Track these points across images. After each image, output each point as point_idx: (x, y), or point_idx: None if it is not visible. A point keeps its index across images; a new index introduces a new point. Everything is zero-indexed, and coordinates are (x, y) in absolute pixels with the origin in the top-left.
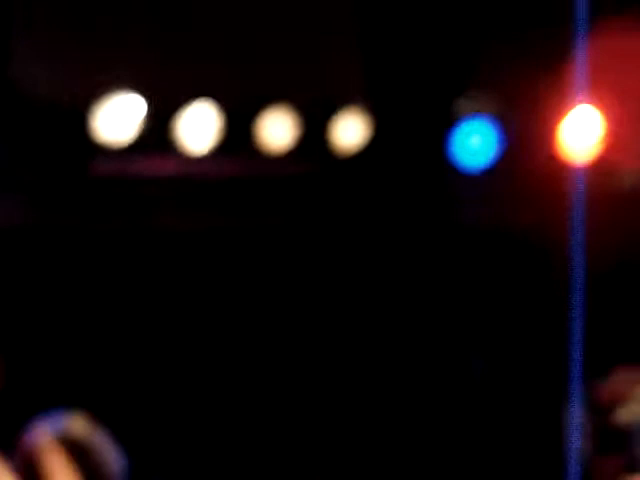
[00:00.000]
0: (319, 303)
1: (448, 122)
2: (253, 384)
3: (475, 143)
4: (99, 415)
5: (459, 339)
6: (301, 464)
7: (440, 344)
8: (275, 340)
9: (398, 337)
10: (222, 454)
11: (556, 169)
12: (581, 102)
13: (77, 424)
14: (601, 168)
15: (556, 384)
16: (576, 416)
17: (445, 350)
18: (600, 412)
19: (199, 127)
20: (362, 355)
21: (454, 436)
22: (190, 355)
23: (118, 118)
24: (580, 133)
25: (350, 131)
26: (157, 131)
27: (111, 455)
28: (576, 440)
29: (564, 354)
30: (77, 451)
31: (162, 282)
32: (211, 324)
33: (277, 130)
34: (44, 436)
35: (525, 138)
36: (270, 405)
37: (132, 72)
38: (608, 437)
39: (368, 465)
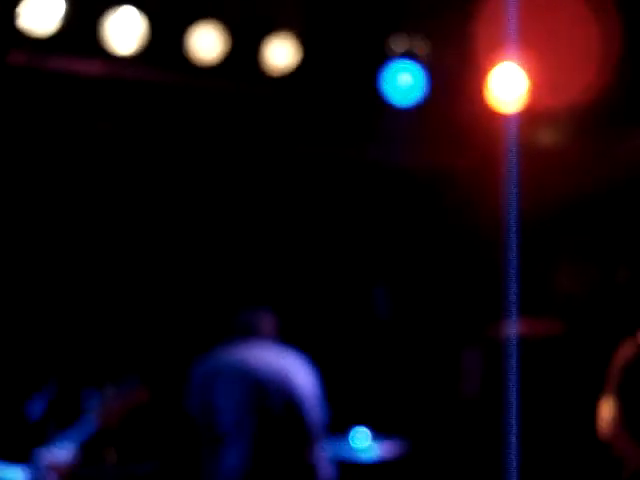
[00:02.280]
0: (232, 219)
1: (379, 58)
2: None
3: (404, 82)
4: None
5: (367, 274)
6: None
7: (350, 278)
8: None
9: (305, 269)
10: None
11: (483, 115)
12: (509, 50)
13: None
14: (527, 118)
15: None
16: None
17: (351, 283)
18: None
19: (126, 30)
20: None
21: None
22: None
23: (44, 9)
24: (507, 81)
25: (281, 53)
26: (83, 29)
27: None
28: None
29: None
30: None
31: (70, 180)
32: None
33: (206, 44)
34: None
35: (454, 82)
36: None
37: None
38: None
39: None
